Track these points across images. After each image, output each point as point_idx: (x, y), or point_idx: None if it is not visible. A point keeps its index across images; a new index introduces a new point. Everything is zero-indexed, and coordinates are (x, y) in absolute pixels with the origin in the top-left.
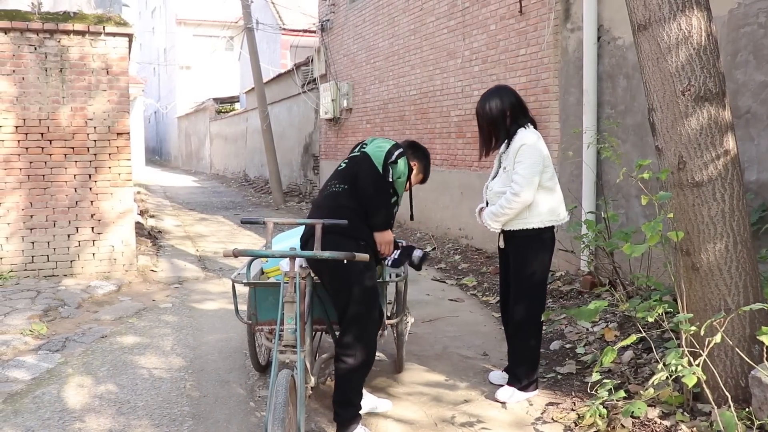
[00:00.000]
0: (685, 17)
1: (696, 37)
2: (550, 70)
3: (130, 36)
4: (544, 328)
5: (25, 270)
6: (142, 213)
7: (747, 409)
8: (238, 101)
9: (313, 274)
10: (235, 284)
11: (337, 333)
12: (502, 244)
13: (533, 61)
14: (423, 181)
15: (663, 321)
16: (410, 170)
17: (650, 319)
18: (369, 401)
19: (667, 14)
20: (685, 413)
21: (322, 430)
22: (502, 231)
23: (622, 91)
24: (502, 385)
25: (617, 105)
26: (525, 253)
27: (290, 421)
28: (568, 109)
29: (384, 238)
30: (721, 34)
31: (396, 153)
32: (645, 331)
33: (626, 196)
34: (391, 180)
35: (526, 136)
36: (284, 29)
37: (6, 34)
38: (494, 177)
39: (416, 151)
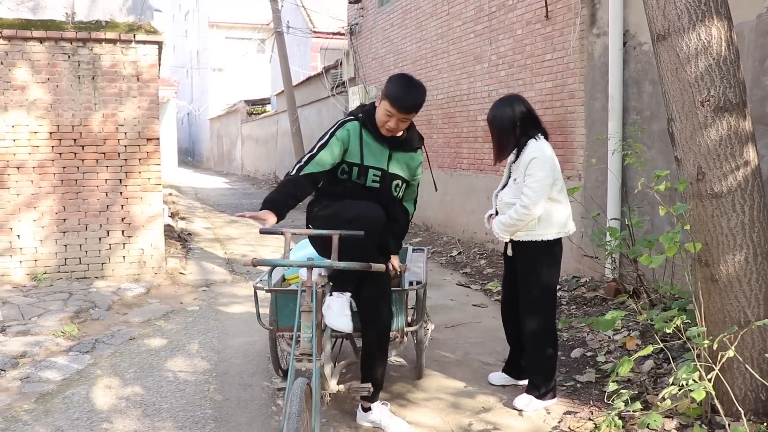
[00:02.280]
0: (704, 27)
1: (716, 47)
2: (575, 75)
3: (160, 43)
4: (564, 335)
5: (58, 272)
6: (172, 215)
7: (766, 424)
8: (269, 103)
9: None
10: (257, 290)
11: (357, 341)
12: (510, 252)
13: (559, 66)
14: (397, 107)
15: (681, 333)
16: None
17: (668, 331)
18: (384, 417)
19: (686, 24)
20: (703, 425)
21: None
22: (511, 240)
23: (648, 97)
24: (504, 386)
25: (643, 111)
26: (533, 264)
27: (305, 427)
28: (593, 114)
29: None
30: (749, 39)
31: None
32: (666, 341)
33: (651, 203)
34: (294, 173)
35: (537, 148)
36: (314, 32)
37: (41, 43)
38: (503, 186)
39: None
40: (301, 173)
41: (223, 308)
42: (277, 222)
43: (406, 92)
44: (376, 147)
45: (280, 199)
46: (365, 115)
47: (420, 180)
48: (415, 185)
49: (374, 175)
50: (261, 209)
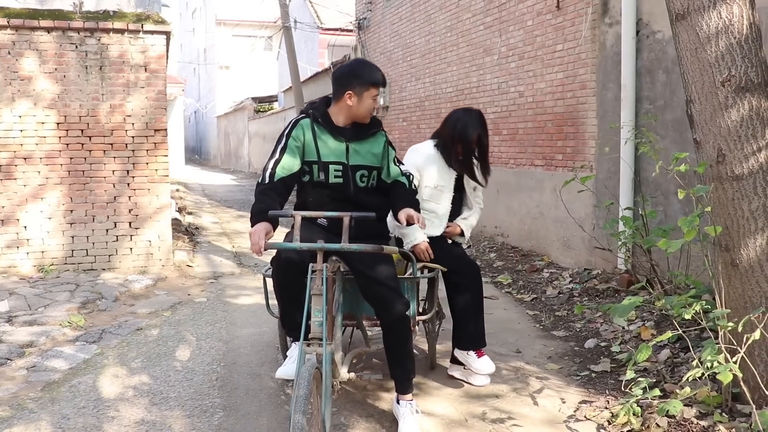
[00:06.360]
0: (725, 5)
1: (737, 26)
2: (587, 65)
3: (168, 34)
4: (577, 325)
5: (65, 264)
6: (180, 210)
7: None
8: (277, 100)
9: (343, 268)
10: (266, 279)
11: (368, 329)
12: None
13: (570, 57)
14: (376, 85)
15: (700, 318)
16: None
17: (687, 316)
18: (404, 422)
19: (706, 2)
20: (724, 413)
21: (352, 424)
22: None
23: (662, 86)
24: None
25: (656, 100)
26: None
27: (315, 414)
28: (605, 104)
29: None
30: (766, 24)
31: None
32: (683, 330)
33: (665, 192)
34: (267, 181)
35: None
36: (322, 28)
37: (49, 33)
38: (451, 197)
39: (338, 81)
40: (275, 180)
41: (231, 300)
42: (274, 230)
43: (375, 69)
44: (332, 142)
45: (266, 209)
46: (315, 110)
47: (394, 158)
48: (394, 166)
49: (335, 170)
50: (253, 223)
